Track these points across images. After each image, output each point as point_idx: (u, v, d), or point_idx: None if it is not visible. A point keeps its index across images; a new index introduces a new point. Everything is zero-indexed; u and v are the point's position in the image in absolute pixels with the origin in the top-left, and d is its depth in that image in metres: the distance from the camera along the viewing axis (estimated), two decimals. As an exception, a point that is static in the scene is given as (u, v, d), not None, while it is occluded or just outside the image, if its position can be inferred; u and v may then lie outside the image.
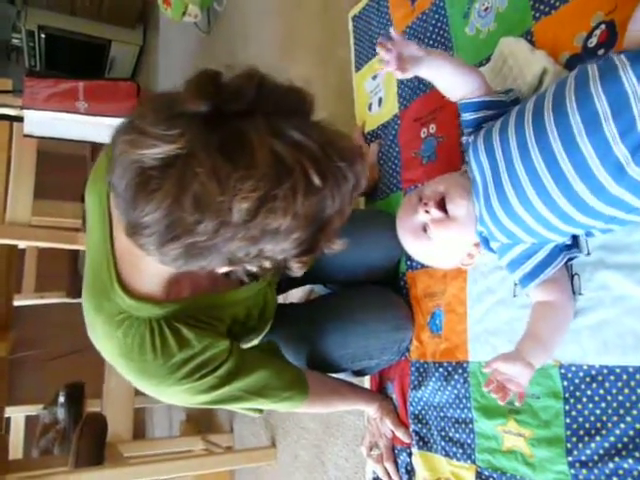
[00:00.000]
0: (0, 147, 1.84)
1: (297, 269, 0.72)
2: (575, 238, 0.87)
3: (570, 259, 0.87)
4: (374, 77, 1.40)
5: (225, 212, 0.58)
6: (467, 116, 0.96)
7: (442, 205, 0.94)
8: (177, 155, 0.57)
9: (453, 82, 0.95)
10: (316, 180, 0.61)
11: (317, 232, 0.67)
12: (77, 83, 1.74)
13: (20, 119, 1.68)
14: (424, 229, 0.98)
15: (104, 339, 0.83)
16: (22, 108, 1.64)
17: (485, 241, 0.95)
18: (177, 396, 0.88)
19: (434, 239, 0.97)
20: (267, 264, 0.68)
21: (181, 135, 0.57)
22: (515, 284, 0.96)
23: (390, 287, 1.26)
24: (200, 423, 2.52)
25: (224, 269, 0.70)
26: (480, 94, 0.94)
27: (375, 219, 1.26)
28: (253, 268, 0.70)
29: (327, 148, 0.63)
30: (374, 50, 1.41)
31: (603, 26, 0.85)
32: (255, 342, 1.12)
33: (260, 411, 1.07)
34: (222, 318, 0.92)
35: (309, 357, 1.17)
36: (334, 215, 0.67)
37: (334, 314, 1.19)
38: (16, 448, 2.48)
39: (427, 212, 0.95)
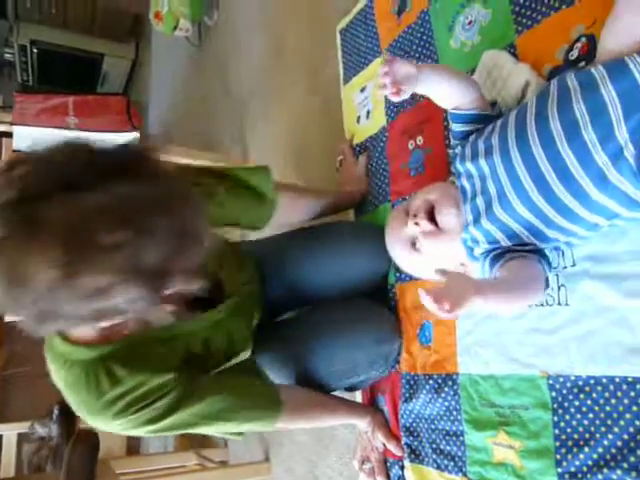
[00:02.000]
0: (-10, 163, 1.85)
1: (166, 315, 0.80)
2: (556, 248, 0.87)
3: (540, 262, 0.84)
4: (362, 90, 1.41)
5: (35, 286, 0.64)
6: (456, 127, 0.96)
7: (432, 216, 0.92)
8: None
9: (449, 94, 0.94)
10: (119, 237, 0.64)
11: (156, 280, 0.70)
12: (67, 98, 1.75)
13: (10, 135, 1.68)
14: (413, 242, 0.97)
15: (54, 378, 0.90)
16: (12, 124, 1.64)
17: (469, 250, 0.95)
18: (121, 429, 0.92)
19: (424, 252, 0.96)
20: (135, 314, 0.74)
21: None
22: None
23: (378, 299, 1.26)
24: (194, 438, 2.50)
25: (105, 324, 0.76)
26: (474, 106, 0.94)
27: (359, 231, 1.26)
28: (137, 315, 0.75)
29: (132, 203, 0.67)
30: (362, 63, 1.42)
31: (584, 39, 0.86)
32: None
33: (240, 434, 1.07)
34: (168, 353, 0.95)
35: (298, 377, 1.17)
36: (165, 265, 0.69)
37: (318, 331, 1.18)
38: (8, 466, 2.45)
39: (417, 224, 0.93)
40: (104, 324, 0.76)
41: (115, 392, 0.87)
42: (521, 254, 0.84)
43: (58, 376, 0.89)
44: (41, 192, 0.65)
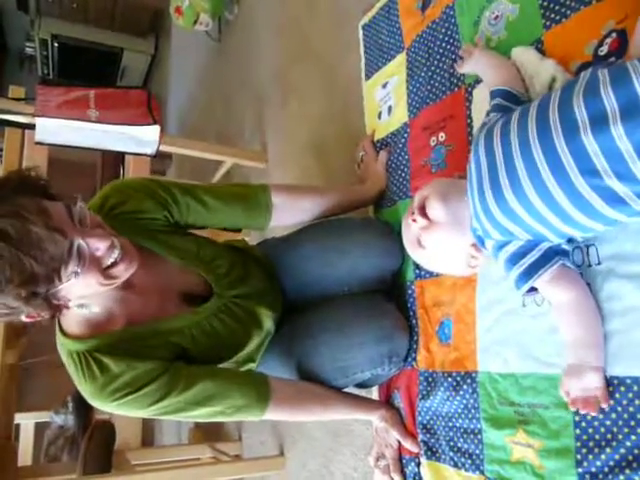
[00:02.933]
0: (12, 154, 1.86)
1: (51, 313, 0.91)
2: (572, 242, 0.86)
3: (564, 265, 0.85)
4: (384, 85, 1.40)
5: None
6: (496, 101, 0.97)
7: (425, 211, 0.95)
8: None
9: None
10: None
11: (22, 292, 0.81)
12: (88, 91, 1.76)
13: (32, 126, 1.69)
14: (419, 239, 0.99)
15: (64, 361, 1.01)
16: (34, 116, 1.65)
17: (480, 240, 0.95)
18: (117, 410, 1.01)
19: (427, 247, 0.99)
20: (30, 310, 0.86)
21: None
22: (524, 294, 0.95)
23: (391, 296, 1.25)
24: (209, 431, 2.52)
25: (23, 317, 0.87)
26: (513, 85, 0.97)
27: (367, 228, 1.26)
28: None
29: None
30: (384, 59, 1.41)
31: (614, 34, 0.85)
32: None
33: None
34: (157, 345, 1.03)
35: (302, 372, 1.18)
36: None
37: (322, 327, 1.19)
38: (25, 455, 2.48)
39: (414, 221, 0.96)
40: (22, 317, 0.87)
41: (105, 378, 0.96)
42: (546, 268, 0.84)
43: (66, 364, 1.00)
44: None
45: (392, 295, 1.26)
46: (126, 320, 1.02)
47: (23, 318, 0.88)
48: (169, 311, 1.08)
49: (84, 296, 0.93)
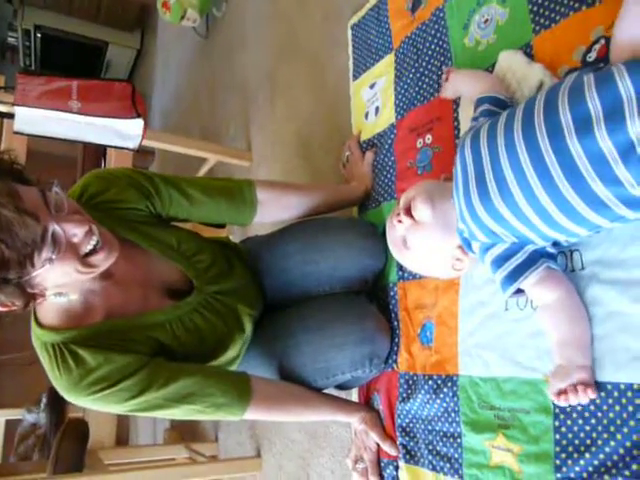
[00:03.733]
0: (-10, 144, 1.82)
1: (20, 297, 0.86)
2: (557, 245, 0.86)
3: (549, 267, 0.85)
4: (372, 86, 1.40)
5: None
6: (484, 107, 0.97)
7: (410, 212, 0.95)
8: None
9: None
10: None
11: None
12: (71, 82, 1.72)
13: (11, 116, 1.65)
14: (404, 240, 0.99)
15: (38, 353, 0.98)
16: (13, 105, 1.61)
17: (466, 242, 0.94)
18: (92, 405, 0.97)
19: (412, 248, 0.98)
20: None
21: None
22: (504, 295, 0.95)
23: (373, 297, 1.24)
24: (185, 431, 2.49)
25: None
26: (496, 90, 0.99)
27: (350, 228, 1.25)
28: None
29: None
30: (373, 59, 1.41)
31: (603, 41, 0.85)
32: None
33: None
34: (136, 340, 1.00)
35: (283, 372, 1.17)
36: None
37: (304, 326, 1.17)
38: (-5, 452, 2.44)
39: (400, 222, 0.96)
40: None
41: (80, 370, 0.93)
42: (532, 270, 0.84)
43: (40, 357, 0.97)
44: None
45: (373, 296, 1.26)
46: (105, 313, 0.99)
47: None
48: (151, 305, 1.05)
49: (61, 285, 0.90)
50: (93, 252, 0.89)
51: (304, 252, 1.21)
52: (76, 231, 0.85)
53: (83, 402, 0.96)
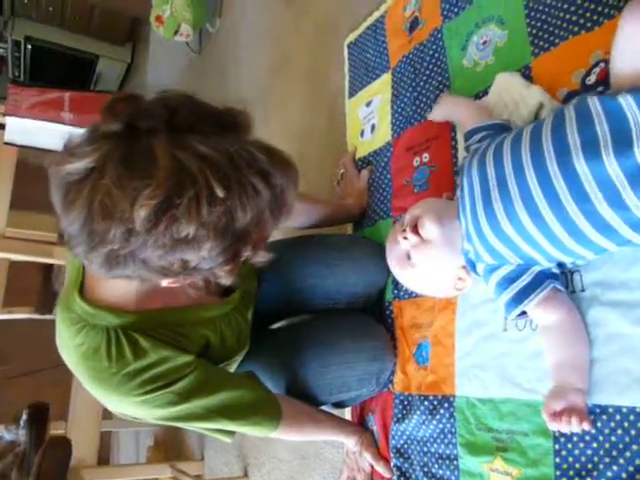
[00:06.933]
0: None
1: (224, 278, 0.75)
2: (561, 266, 0.86)
3: (555, 287, 0.85)
4: (368, 104, 1.40)
5: (128, 220, 0.62)
6: (476, 137, 0.98)
7: (418, 230, 0.95)
8: (91, 168, 0.63)
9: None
10: (219, 191, 0.63)
11: (235, 243, 0.69)
12: (63, 93, 1.71)
13: (1, 126, 1.63)
14: (408, 256, 0.98)
15: (65, 346, 0.84)
16: (4, 115, 1.60)
17: (471, 263, 0.94)
18: (133, 408, 0.86)
19: (417, 265, 0.97)
20: (199, 275, 0.73)
21: (94, 151, 0.63)
22: (505, 318, 0.95)
23: (374, 314, 1.23)
24: (169, 449, 2.43)
25: (167, 282, 0.73)
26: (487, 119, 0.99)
27: (355, 245, 1.24)
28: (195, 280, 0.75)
29: (237, 160, 0.66)
30: (369, 78, 1.41)
31: (602, 64, 0.86)
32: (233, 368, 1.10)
33: (231, 434, 1.02)
34: (189, 336, 0.92)
35: (288, 386, 1.13)
36: (250, 227, 0.69)
37: (313, 342, 1.15)
38: (-29, 470, 2.35)
39: (406, 239, 0.95)
40: (165, 282, 0.73)
41: (138, 364, 0.82)
42: (537, 292, 0.84)
43: (70, 350, 0.83)
44: (147, 128, 0.64)
45: (373, 313, 1.24)
46: (162, 301, 0.89)
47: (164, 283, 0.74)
48: (203, 299, 0.97)
49: None
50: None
51: (311, 265, 1.19)
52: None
53: (126, 404, 0.85)
